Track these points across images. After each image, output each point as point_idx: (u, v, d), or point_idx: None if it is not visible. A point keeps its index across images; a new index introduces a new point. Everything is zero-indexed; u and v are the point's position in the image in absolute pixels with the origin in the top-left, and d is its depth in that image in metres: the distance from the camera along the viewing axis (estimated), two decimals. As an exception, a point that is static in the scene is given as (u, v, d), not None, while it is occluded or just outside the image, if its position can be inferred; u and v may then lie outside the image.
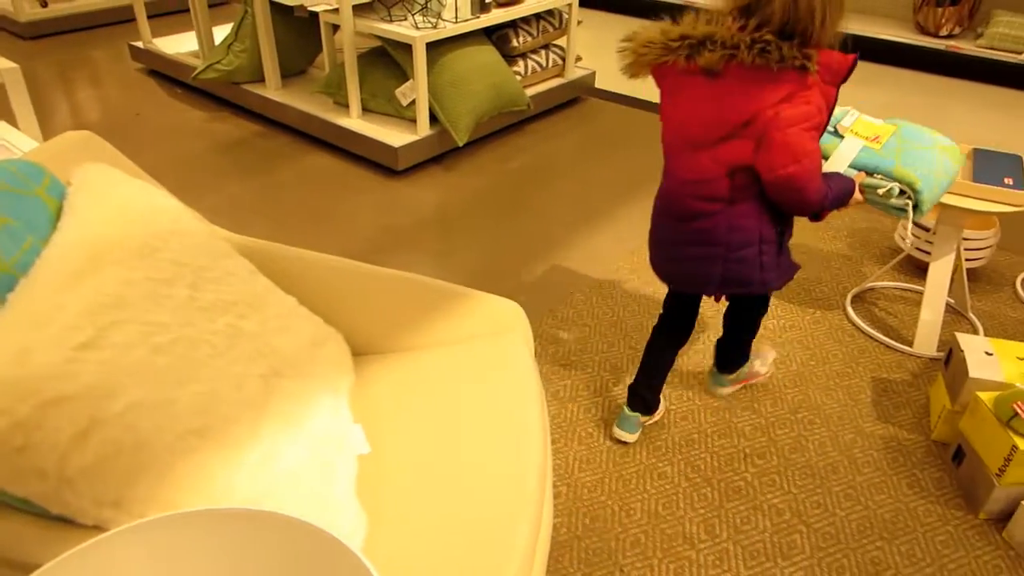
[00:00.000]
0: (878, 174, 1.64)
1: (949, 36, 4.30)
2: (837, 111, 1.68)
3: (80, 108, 3.94)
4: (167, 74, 4.15)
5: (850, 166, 1.66)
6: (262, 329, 1.16)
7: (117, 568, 0.74)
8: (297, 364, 1.19)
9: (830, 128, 1.70)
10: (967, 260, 2.35)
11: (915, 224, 2.36)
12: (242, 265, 1.28)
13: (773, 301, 2.31)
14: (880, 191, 1.64)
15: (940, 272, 2.09)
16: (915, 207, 1.63)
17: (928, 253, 2.31)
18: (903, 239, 2.48)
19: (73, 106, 3.94)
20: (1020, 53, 4.03)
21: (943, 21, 4.27)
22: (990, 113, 3.84)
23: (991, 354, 1.79)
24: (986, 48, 4.13)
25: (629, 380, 2.01)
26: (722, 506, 1.68)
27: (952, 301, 2.33)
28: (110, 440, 0.89)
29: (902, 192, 1.62)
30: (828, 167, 1.67)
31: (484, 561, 0.98)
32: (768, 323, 2.24)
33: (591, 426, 1.87)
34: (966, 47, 4.19)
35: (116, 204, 1.13)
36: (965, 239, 2.30)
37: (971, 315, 2.29)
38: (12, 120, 2.33)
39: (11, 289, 0.94)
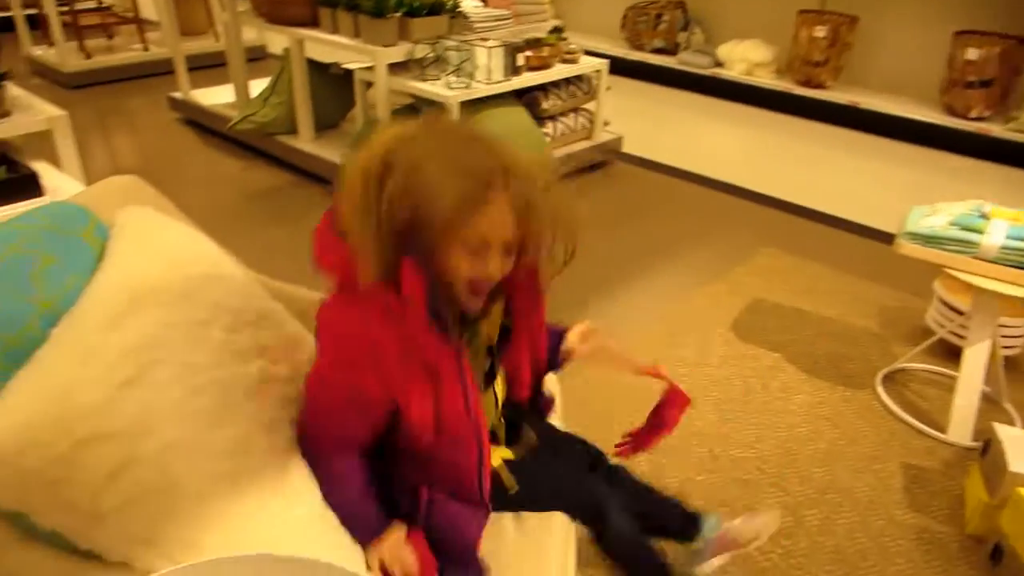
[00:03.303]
0: None
1: (979, 119, 4.31)
2: (976, 202, 1.99)
3: (119, 154, 4.04)
4: (203, 124, 4.25)
5: (1007, 237, 1.90)
6: (294, 374, 1.15)
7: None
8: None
9: (976, 213, 1.97)
10: (1004, 348, 2.29)
11: (947, 306, 2.36)
12: (276, 310, 1.28)
13: (802, 375, 2.28)
14: None
15: (975, 359, 2.04)
16: None
17: (962, 338, 2.26)
18: (936, 322, 2.44)
19: (112, 152, 4.04)
20: (1051, 140, 4.02)
21: (973, 103, 4.29)
22: (1020, 197, 3.83)
23: (1031, 445, 1.73)
24: (1016, 132, 4.12)
25: None
26: (749, 589, 1.61)
27: (988, 389, 2.26)
28: (143, 479, 0.88)
29: None
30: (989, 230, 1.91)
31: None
32: (796, 398, 2.19)
33: None
34: (996, 130, 4.19)
35: (157, 246, 1.14)
36: (1002, 325, 2.25)
37: (1007, 405, 2.22)
38: (57, 163, 2.39)
39: (54, 326, 0.94)
